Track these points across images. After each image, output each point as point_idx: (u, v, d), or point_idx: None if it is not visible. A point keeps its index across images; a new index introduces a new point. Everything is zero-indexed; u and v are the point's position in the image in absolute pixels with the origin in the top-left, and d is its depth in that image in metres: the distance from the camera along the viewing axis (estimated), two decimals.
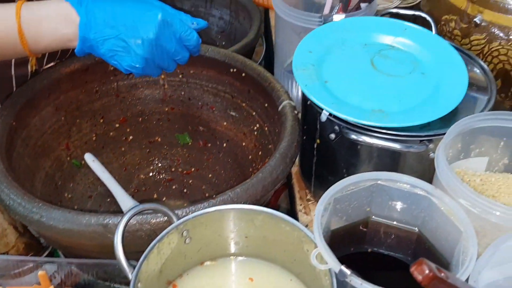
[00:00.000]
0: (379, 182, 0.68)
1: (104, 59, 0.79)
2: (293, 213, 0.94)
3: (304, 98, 0.84)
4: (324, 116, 0.77)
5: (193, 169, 1.05)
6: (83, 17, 0.75)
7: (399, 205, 0.69)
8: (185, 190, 1.05)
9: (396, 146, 0.74)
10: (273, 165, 0.73)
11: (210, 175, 1.04)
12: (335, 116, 0.76)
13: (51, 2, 0.78)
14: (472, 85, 0.83)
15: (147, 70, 0.79)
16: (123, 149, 1.03)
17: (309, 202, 0.92)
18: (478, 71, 0.87)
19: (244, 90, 0.94)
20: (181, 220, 0.64)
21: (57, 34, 0.77)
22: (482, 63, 0.87)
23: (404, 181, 0.67)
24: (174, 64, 0.83)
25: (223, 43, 1.47)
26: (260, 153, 0.92)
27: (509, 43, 0.88)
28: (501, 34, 0.89)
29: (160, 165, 1.06)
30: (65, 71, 0.92)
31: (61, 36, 0.77)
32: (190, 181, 1.05)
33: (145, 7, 0.78)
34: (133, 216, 0.63)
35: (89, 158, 0.96)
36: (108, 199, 0.98)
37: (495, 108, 0.80)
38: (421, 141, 0.74)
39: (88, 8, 0.76)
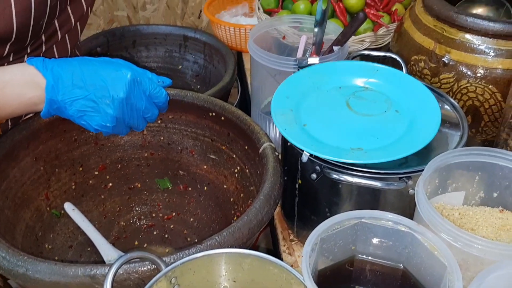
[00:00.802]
0: (363, 220, 0.69)
1: (72, 120, 0.79)
2: (276, 254, 0.94)
3: (284, 139, 0.85)
4: (305, 157, 0.79)
5: (174, 214, 1.05)
6: (49, 79, 0.76)
7: (383, 242, 0.71)
8: (166, 236, 1.05)
9: (376, 184, 0.75)
10: (258, 207, 0.74)
11: (191, 219, 1.04)
12: (315, 157, 0.78)
13: (15, 67, 0.78)
14: (445, 122, 0.86)
15: (116, 129, 0.80)
16: (102, 196, 1.03)
17: (293, 243, 0.93)
18: (449, 108, 0.90)
19: (224, 133, 0.95)
20: (170, 267, 0.64)
21: (23, 98, 0.76)
22: (452, 100, 0.91)
23: (387, 219, 0.69)
24: (144, 123, 0.84)
25: (198, 86, 1.49)
26: (242, 195, 0.93)
27: (477, 81, 0.92)
28: (469, 72, 0.93)
29: (140, 211, 1.06)
30: (44, 121, 0.91)
31: (27, 100, 0.77)
32: (172, 226, 1.05)
33: (113, 67, 0.79)
34: (122, 265, 0.63)
35: (68, 207, 0.95)
36: (89, 248, 0.97)
37: (467, 143, 0.82)
38: (400, 178, 0.76)
39: (54, 71, 0.76)
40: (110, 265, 0.62)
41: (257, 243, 1.38)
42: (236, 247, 0.69)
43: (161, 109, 0.86)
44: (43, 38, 0.91)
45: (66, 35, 0.96)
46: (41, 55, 0.92)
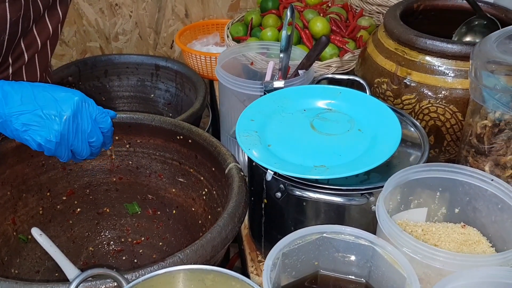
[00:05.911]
0: (324, 235, 0.70)
1: (14, 136, 0.79)
2: (245, 276, 0.94)
3: (250, 161, 0.86)
4: (269, 175, 0.80)
5: (143, 239, 1.05)
6: None
7: (345, 256, 0.71)
8: (135, 261, 1.04)
9: (338, 199, 0.76)
10: (221, 225, 0.74)
11: (160, 244, 1.03)
12: (279, 175, 0.79)
13: None
14: (407, 142, 0.88)
15: (59, 149, 0.81)
16: (70, 222, 1.02)
17: (261, 264, 0.93)
18: (412, 129, 0.92)
19: (192, 156, 0.96)
20: (131, 284, 0.64)
21: None
22: (414, 120, 0.93)
23: (347, 233, 0.70)
24: (88, 149, 0.85)
25: (170, 114, 1.50)
26: (209, 217, 0.93)
27: (438, 101, 0.95)
28: (430, 93, 0.95)
29: (109, 236, 1.05)
30: (11, 146, 0.92)
31: None
32: (140, 251, 1.04)
33: (63, 89, 0.82)
34: (81, 282, 0.62)
35: (36, 232, 0.94)
36: (57, 274, 0.96)
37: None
38: (362, 194, 0.77)
39: (5, 88, 0.78)
40: (70, 282, 0.61)
41: (233, 268, 1.37)
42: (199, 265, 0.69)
43: (105, 139, 0.88)
44: (10, 60, 0.92)
45: (36, 57, 0.97)
46: (9, 78, 0.93)
